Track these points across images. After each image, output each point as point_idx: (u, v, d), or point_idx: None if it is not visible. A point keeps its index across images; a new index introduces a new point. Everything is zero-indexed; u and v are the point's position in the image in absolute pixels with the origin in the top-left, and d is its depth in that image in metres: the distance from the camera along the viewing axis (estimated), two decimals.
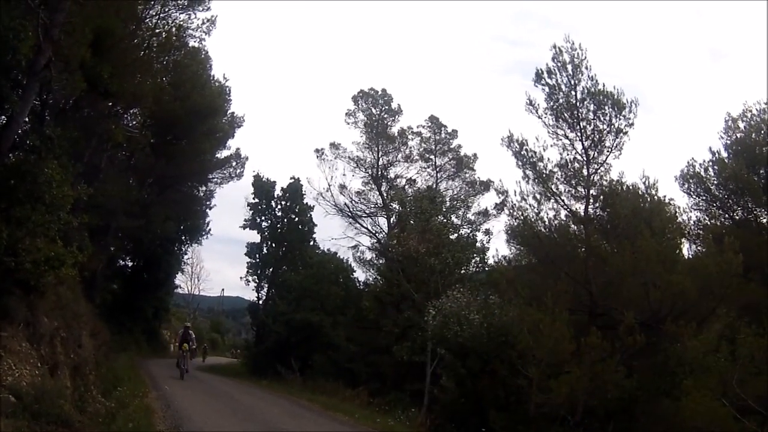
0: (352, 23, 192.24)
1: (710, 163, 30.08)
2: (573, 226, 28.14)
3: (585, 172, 26.99)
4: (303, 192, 56.99)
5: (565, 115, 27.14)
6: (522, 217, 28.04)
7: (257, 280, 58.51)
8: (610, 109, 26.50)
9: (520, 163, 27.95)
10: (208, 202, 55.48)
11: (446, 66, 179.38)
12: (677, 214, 27.85)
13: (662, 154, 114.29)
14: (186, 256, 65.59)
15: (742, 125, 29.95)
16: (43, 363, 13.69)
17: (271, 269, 57.84)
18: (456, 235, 41.72)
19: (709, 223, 30.20)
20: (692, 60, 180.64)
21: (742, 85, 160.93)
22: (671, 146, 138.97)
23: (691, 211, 30.47)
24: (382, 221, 54.31)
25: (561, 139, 27.48)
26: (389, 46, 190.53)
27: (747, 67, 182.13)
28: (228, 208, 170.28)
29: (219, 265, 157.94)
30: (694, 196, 30.60)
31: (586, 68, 27.01)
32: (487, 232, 46.02)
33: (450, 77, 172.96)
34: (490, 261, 37.94)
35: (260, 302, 57.78)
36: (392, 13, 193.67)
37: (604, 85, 26.82)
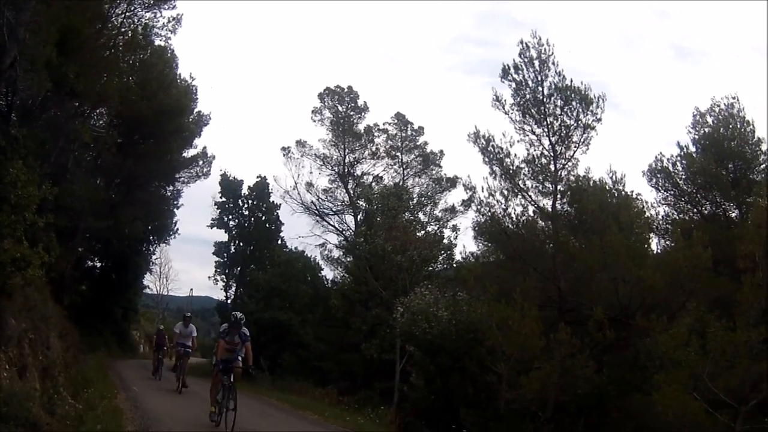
0: (319, 21, 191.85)
1: (678, 158, 30.33)
2: (541, 221, 28.30)
3: (552, 167, 27.18)
4: (270, 190, 56.89)
5: (532, 110, 27.32)
6: (489, 214, 28.16)
7: (225, 280, 58.33)
8: (578, 105, 26.71)
9: (487, 159, 28.07)
10: (175, 202, 54.91)
11: (411, 64, 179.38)
12: (645, 209, 28.04)
13: (629, 150, 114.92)
14: (154, 257, 64.81)
15: (710, 120, 30.22)
16: (11, 365, 13.57)
17: (239, 268, 57.66)
18: (423, 232, 41.86)
19: (677, 217, 30.38)
20: (657, 56, 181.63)
21: (706, 81, 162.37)
22: (638, 142, 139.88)
23: (659, 206, 30.71)
24: (350, 219, 54.43)
25: (528, 135, 27.74)
26: (355, 43, 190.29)
27: (711, 64, 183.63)
28: (195, 208, 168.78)
29: (187, 265, 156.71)
30: (662, 191, 30.83)
31: (553, 64, 27.29)
32: (455, 229, 46.53)
33: (415, 75, 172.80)
34: (458, 257, 38.25)
35: (229, 302, 57.57)
36: (358, 11, 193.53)
37: (571, 81, 27.02)
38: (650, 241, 27.97)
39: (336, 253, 51.17)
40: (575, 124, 26.83)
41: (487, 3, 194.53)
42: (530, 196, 27.72)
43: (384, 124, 54.92)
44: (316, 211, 54.93)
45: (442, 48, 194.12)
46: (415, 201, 47.22)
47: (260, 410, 24.50)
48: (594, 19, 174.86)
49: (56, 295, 26.55)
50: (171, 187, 52.73)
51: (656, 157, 30.75)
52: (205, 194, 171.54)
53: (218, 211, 57.77)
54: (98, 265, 53.39)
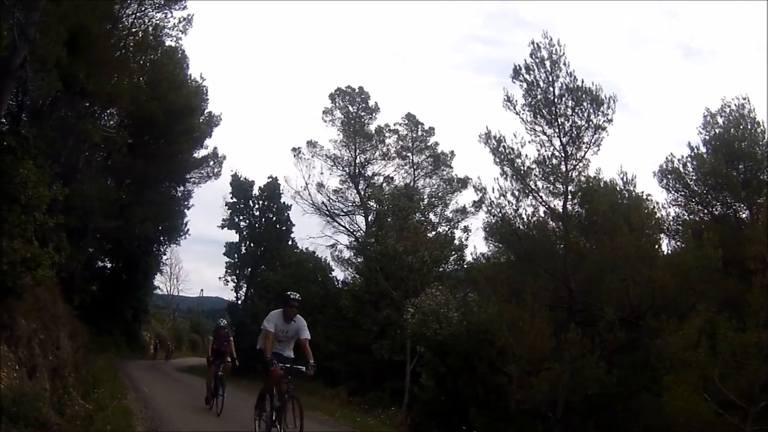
0: (329, 21, 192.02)
1: (689, 159, 30.00)
2: (551, 222, 28.18)
3: (563, 168, 27.01)
4: (281, 191, 57.12)
5: (543, 111, 27.14)
6: (500, 214, 28.04)
7: (236, 280, 58.43)
8: (589, 105, 26.52)
9: (497, 160, 27.93)
10: (186, 202, 55.19)
11: (420, 63, 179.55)
12: (656, 210, 27.81)
13: (637, 149, 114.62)
14: (165, 257, 65.22)
15: (720, 120, 29.90)
16: (21, 365, 13.54)
17: (249, 269, 57.75)
18: (434, 232, 41.83)
19: (688, 218, 30.14)
20: (665, 56, 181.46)
21: (714, 81, 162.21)
22: (646, 141, 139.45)
23: (669, 207, 30.39)
24: (360, 219, 54.61)
25: (539, 136, 27.54)
26: (364, 43, 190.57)
27: (719, 63, 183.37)
28: (206, 208, 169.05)
29: (198, 265, 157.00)
30: (672, 192, 30.53)
31: (565, 64, 27.07)
32: (466, 230, 46.36)
33: (423, 75, 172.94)
34: (469, 258, 38.24)
35: (239, 302, 57.65)
36: (367, 10, 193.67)
37: (582, 81, 26.85)
38: (661, 241, 27.88)
39: (347, 254, 51.16)
40: (586, 125, 26.67)
41: (494, 2, 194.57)
42: (541, 197, 27.60)
43: (395, 124, 55.10)
44: (327, 212, 55.12)
45: (449, 47, 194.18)
46: (425, 202, 47.30)
47: None
48: (602, 19, 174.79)
49: (66, 295, 26.57)
50: (181, 188, 52.89)
51: (667, 157, 30.48)
52: (215, 195, 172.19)
53: (229, 211, 57.95)
54: (108, 265, 53.62)
